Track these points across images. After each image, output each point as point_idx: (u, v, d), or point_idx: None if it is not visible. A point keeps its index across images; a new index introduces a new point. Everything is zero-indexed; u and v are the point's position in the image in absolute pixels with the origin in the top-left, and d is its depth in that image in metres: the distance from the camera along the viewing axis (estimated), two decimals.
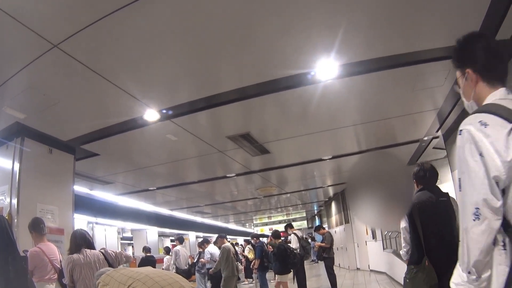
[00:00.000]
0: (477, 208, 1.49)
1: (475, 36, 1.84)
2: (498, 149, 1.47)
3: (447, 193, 3.87)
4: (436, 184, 3.96)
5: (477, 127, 1.54)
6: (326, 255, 11.41)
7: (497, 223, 1.48)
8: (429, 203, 3.67)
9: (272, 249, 10.41)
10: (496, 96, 1.69)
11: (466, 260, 1.52)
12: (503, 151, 1.46)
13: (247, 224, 33.45)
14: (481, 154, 1.50)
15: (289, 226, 12.16)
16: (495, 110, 1.57)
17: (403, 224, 3.86)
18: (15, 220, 5.58)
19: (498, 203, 1.47)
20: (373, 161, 2.79)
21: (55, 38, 3.84)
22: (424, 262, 3.48)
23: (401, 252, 4.15)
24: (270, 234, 12.47)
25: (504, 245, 1.49)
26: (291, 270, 9.68)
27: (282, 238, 11.57)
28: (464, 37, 1.85)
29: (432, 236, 3.55)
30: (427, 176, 3.91)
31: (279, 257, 9.42)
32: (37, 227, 5.14)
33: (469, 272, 1.52)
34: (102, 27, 3.72)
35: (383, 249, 12.74)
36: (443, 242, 3.47)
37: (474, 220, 1.50)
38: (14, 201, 5.69)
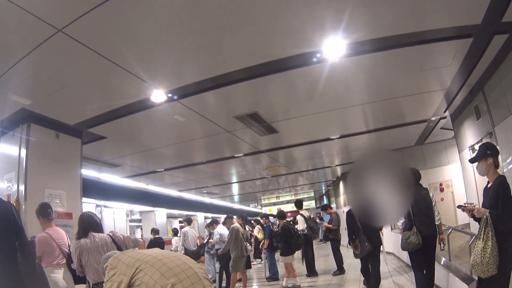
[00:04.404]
0: None
1: None
2: None
3: (426, 188, 6.03)
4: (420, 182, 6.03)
5: None
6: (332, 236, 11.32)
7: None
8: (415, 195, 5.54)
9: (276, 229, 10.40)
10: None
11: None
12: None
13: (255, 204, 33.56)
14: None
15: (298, 204, 11.97)
16: None
17: None
18: (23, 206, 5.59)
19: None
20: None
21: (59, 23, 3.79)
22: (414, 229, 5.49)
23: (399, 223, 6.44)
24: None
25: None
26: (295, 251, 9.65)
27: (290, 218, 11.55)
28: None
29: (417, 213, 5.59)
30: (416, 178, 5.88)
31: (283, 237, 9.40)
32: (44, 212, 5.13)
33: None
34: (106, 9, 3.65)
35: (391, 229, 12.68)
36: (423, 218, 5.60)
37: None
38: (22, 187, 5.70)
